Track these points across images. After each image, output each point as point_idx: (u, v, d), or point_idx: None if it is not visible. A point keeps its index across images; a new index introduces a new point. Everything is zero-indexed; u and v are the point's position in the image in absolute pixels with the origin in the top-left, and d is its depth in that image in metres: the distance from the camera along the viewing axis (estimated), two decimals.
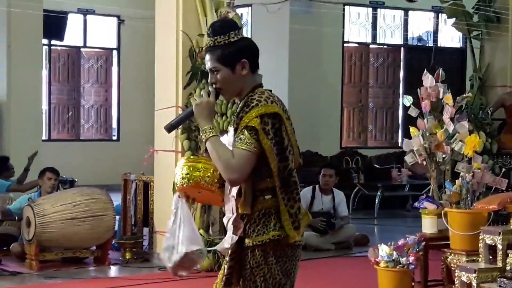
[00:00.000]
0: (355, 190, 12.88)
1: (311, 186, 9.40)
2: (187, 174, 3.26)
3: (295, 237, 3.19)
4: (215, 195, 3.31)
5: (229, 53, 3.24)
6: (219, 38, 3.25)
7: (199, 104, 3.25)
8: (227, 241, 3.25)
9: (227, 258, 3.29)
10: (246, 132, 3.14)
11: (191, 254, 3.30)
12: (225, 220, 3.30)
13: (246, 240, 3.20)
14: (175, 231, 3.32)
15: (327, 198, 9.42)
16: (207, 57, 3.29)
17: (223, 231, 8.11)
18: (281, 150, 3.17)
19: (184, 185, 3.27)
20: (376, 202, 12.59)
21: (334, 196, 9.44)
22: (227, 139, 3.29)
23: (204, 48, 3.43)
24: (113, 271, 8.06)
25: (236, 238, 3.23)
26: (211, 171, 3.25)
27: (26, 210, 7.89)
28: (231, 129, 3.29)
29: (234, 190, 3.20)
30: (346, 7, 14.68)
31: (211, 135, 3.19)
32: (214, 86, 3.29)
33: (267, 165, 3.17)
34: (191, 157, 3.47)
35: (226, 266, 3.26)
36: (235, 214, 3.22)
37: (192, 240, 3.32)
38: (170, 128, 3.39)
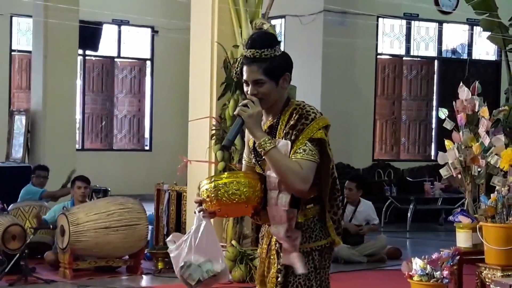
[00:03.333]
0: (387, 203, 12.81)
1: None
2: (237, 190, 3.22)
3: (340, 242, 3.35)
4: (248, 208, 3.30)
5: (275, 67, 3.28)
6: (266, 51, 3.27)
7: (251, 115, 3.24)
8: (300, 261, 3.25)
9: (275, 266, 3.32)
10: (309, 144, 3.22)
11: (220, 273, 3.34)
12: (274, 230, 3.31)
13: (303, 246, 3.27)
14: (199, 249, 3.30)
15: (351, 209, 9.45)
16: (251, 68, 3.28)
17: (255, 242, 8.13)
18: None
19: (234, 201, 3.23)
20: (408, 215, 12.52)
21: (357, 208, 9.45)
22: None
23: (243, 58, 3.34)
24: (145, 280, 8.09)
25: (300, 256, 3.25)
26: (258, 185, 3.26)
27: (60, 218, 7.96)
28: (279, 141, 3.27)
29: (286, 202, 3.23)
30: (380, 19, 14.63)
31: (272, 146, 3.21)
32: (255, 97, 3.29)
33: (316, 174, 3.26)
34: (228, 173, 3.40)
35: (279, 275, 3.30)
36: (286, 224, 3.25)
37: (219, 259, 3.34)
38: (230, 144, 3.40)
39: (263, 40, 3.31)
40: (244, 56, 3.34)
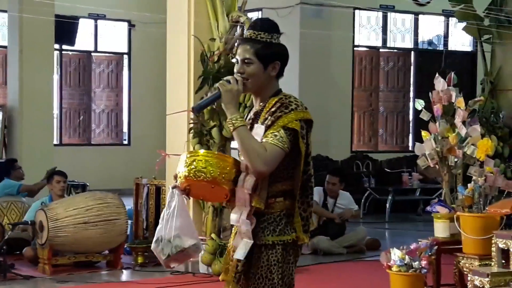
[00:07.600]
0: (365, 194, 12.87)
1: (321, 188, 9.44)
2: (204, 168, 3.22)
3: (305, 239, 3.33)
4: (222, 191, 3.29)
5: (268, 52, 3.33)
6: (262, 34, 3.34)
7: (229, 90, 3.28)
8: (245, 247, 3.27)
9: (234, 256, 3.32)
10: (282, 131, 3.23)
11: (188, 249, 3.33)
12: (235, 214, 3.31)
13: (265, 238, 3.27)
14: (170, 224, 3.32)
15: (332, 201, 9.49)
16: (244, 46, 3.35)
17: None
18: (306, 155, 3.30)
19: (199, 179, 3.23)
20: (387, 206, 12.58)
21: (337, 200, 9.50)
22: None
23: (241, 39, 3.45)
24: (125, 275, 8.08)
25: (251, 243, 3.27)
26: (228, 168, 3.26)
27: (39, 214, 7.92)
28: (258, 126, 3.31)
29: (250, 185, 3.24)
30: (356, 11, 14.68)
31: (241, 124, 3.24)
32: (240, 76, 3.34)
33: (289, 168, 3.28)
34: (205, 151, 3.40)
35: (239, 264, 3.31)
36: (248, 208, 3.26)
37: (189, 234, 3.35)
38: (199, 109, 3.42)
39: (263, 24, 3.38)
40: (243, 37, 3.39)
